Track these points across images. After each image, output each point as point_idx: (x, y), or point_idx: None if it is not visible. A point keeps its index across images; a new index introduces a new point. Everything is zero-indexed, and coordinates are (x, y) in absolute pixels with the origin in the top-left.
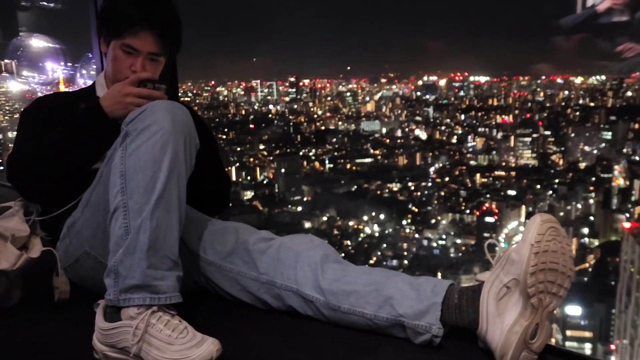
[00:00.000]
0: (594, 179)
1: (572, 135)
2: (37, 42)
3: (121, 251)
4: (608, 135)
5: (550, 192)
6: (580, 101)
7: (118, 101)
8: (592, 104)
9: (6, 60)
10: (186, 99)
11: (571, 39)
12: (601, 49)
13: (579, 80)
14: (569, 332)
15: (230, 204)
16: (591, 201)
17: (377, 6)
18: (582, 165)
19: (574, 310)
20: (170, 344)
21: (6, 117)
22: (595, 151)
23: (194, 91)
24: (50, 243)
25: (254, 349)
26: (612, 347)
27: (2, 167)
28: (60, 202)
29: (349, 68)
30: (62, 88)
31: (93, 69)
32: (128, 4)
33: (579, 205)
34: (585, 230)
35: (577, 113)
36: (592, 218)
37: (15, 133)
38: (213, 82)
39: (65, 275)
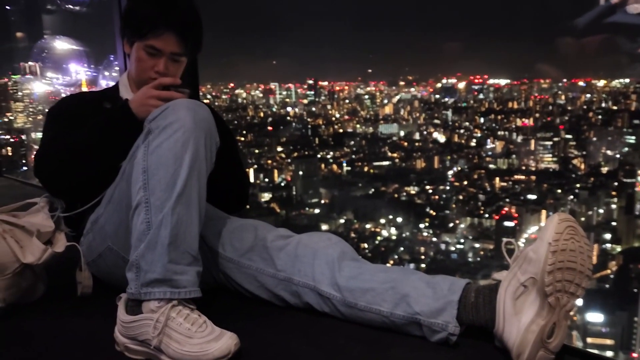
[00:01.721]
0: (616, 183)
1: (594, 139)
2: (61, 45)
3: (143, 246)
4: (631, 139)
5: (572, 196)
6: (603, 104)
7: (142, 103)
8: (614, 107)
9: (30, 63)
10: (205, 101)
11: (591, 39)
12: (622, 49)
13: (601, 83)
14: (589, 340)
15: (248, 206)
16: (613, 206)
17: (396, 9)
18: (604, 169)
19: (595, 317)
20: (190, 337)
21: (30, 119)
22: (617, 155)
23: (213, 93)
24: (74, 239)
25: (270, 346)
26: (634, 355)
27: (25, 168)
28: (84, 198)
29: (370, 71)
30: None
31: (115, 71)
32: (151, 6)
33: (601, 211)
34: (607, 236)
35: (600, 116)
36: (614, 224)
37: (38, 134)
38: (232, 85)
39: (88, 270)
